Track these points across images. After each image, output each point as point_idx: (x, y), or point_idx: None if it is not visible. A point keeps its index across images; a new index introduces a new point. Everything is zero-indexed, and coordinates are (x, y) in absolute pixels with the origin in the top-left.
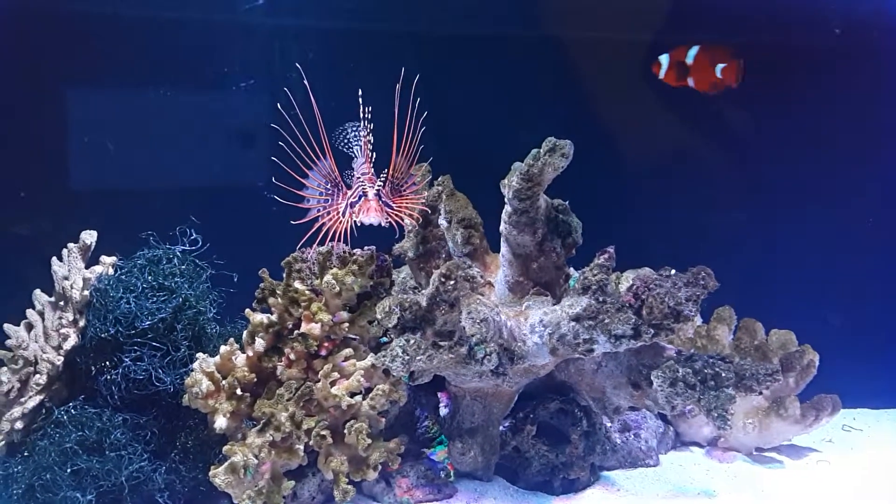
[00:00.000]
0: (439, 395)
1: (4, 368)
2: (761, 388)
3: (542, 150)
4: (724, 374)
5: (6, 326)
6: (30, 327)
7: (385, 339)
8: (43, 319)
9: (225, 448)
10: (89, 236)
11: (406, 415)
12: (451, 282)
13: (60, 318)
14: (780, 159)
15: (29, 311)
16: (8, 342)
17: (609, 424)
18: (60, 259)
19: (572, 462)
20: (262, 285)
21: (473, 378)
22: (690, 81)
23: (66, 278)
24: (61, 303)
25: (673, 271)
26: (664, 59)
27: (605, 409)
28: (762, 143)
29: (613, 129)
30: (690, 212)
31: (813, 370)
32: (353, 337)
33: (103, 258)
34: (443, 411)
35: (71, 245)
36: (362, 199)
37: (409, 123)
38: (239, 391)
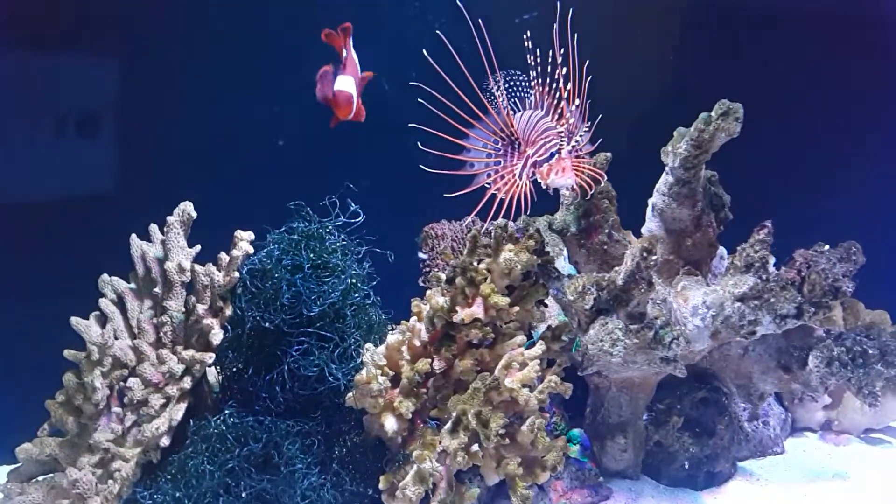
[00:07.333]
0: None
1: (97, 371)
2: None
3: (713, 114)
4: (870, 352)
5: (73, 320)
6: (103, 321)
7: (536, 332)
8: (124, 311)
9: (415, 454)
10: (188, 206)
11: None
12: (654, 256)
13: (161, 305)
14: None
15: (102, 302)
16: (90, 340)
17: (741, 413)
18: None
19: (717, 454)
20: (452, 263)
21: (642, 365)
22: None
23: (166, 259)
24: (155, 289)
25: (827, 247)
26: None
27: (749, 396)
28: None
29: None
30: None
31: None
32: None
33: (239, 233)
34: None
35: (169, 218)
36: (555, 157)
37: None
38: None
